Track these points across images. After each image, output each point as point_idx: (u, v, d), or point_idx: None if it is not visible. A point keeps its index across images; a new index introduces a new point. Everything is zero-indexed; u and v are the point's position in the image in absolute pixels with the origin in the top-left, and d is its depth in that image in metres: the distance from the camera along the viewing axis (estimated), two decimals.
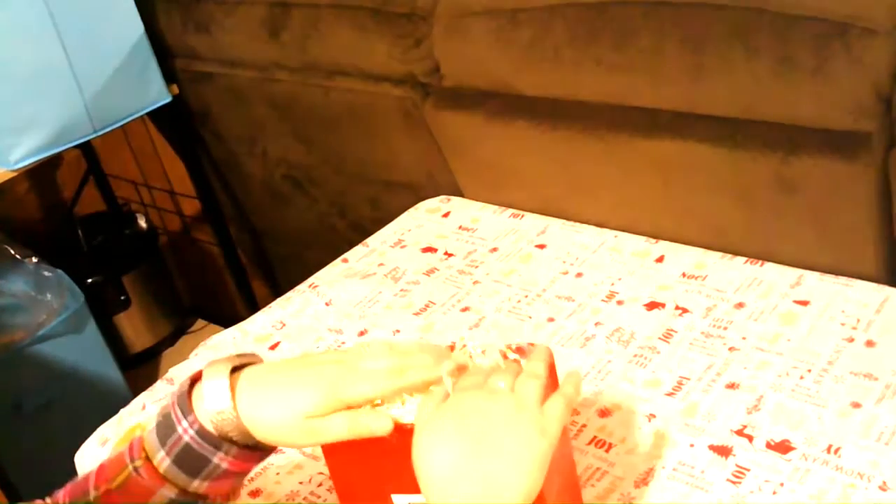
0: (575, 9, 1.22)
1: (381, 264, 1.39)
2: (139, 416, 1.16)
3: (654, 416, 0.99)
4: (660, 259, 1.25)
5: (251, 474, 1.01)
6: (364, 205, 1.82)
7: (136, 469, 0.69)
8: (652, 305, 1.16)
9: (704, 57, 1.12)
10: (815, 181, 1.11)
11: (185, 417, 0.68)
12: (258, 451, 0.71)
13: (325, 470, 0.97)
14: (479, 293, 1.27)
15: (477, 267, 1.33)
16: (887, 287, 1.10)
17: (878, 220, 1.10)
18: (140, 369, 2.43)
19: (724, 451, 0.92)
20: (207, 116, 2.01)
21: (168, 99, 1.94)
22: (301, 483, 1.00)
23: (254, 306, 2.23)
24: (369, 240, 1.47)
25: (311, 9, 1.58)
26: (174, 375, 1.24)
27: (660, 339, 1.10)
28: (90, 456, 1.12)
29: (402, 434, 0.68)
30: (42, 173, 2.43)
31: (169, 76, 1.94)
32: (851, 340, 1.03)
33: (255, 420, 0.69)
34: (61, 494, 0.73)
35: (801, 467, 0.88)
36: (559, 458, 0.77)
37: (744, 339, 1.07)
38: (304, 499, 0.98)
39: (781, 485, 0.87)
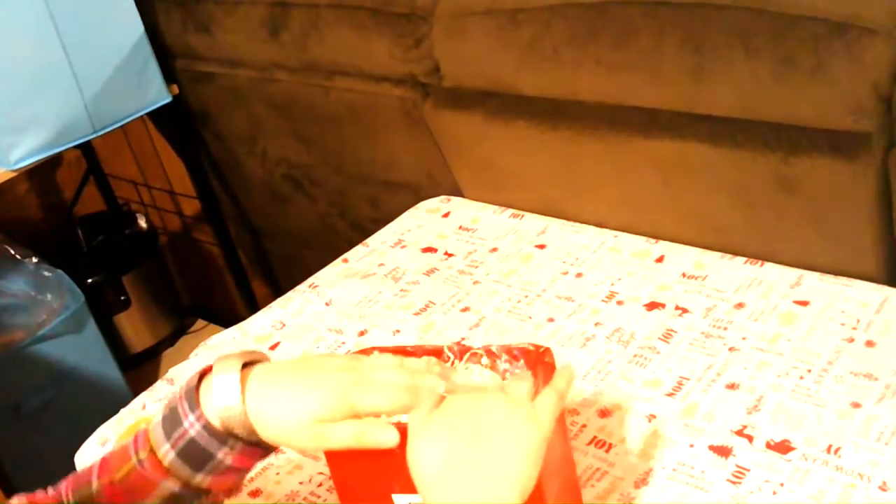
0: (575, 8, 1.22)
1: (381, 264, 1.39)
2: (139, 415, 1.16)
3: (654, 416, 0.99)
4: (660, 259, 1.25)
5: (251, 474, 1.01)
6: (364, 205, 1.82)
7: (140, 461, 0.69)
8: (652, 305, 1.16)
9: (704, 57, 1.12)
10: (815, 181, 1.11)
11: (192, 411, 0.69)
12: (262, 447, 0.71)
13: (325, 470, 0.97)
14: (479, 293, 1.27)
15: (477, 267, 1.33)
16: (887, 287, 1.10)
17: (878, 220, 1.10)
18: (140, 369, 2.43)
19: (724, 452, 0.92)
20: (207, 116, 2.01)
21: (168, 99, 1.94)
22: (301, 483, 1.00)
23: (254, 306, 2.23)
24: (369, 240, 1.47)
25: (311, 9, 1.58)
26: (174, 375, 1.24)
27: (660, 339, 1.10)
28: (90, 456, 1.12)
29: (403, 435, 0.68)
30: (42, 173, 2.43)
31: (169, 76, 1.94)
32: (851, 340, 1.03)
33: (262, 419, 0.69)
34: (64, 486, 0.73)
35: (801, 467, 0.88)
36: (559, 459, 0.77)
37: (744, 339, 1.07)
38: (304, 499, 0.98)
39: (781, 485, 0.87)
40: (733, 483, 0.88)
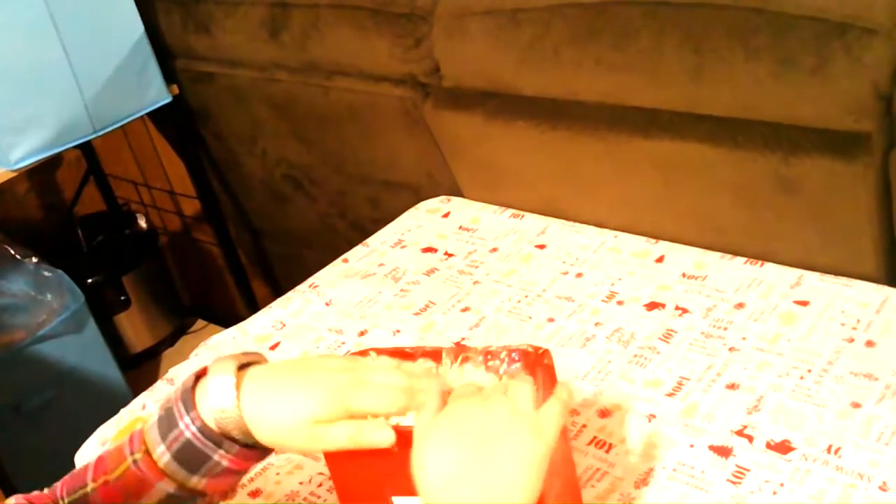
0: (575, 9, 1.22)
1: (381, 264, 1.39)
2: (138, 415, 1.16)
3: (654, 416, 0.99)
4: (660, 259, 1.25)
5: (251, 474, 1.01)
6: (364, 205, 1.82)
7: (135, 462, 0.69)
8: (652, 306, 1.16)
9: (704, 57, 1.12)
10: (815, 181, 1.11)
11: (188, 413, 0.68)
12: (259, 450, 0.71)
13: (325, 470, 0.97)
14: (479, 293, 1.27)
15: (477, 267, 1.33)
16: (887, 287, 1.10)
17: (878, 220, 1.10)
18: (140, 369, 2.43)
19: (724, 452, 0.92)
20: (207, 116, 2.01)
21: (168, 99, 1.94)
22: (301, 483, 1.00)
23: (254, 306, 2.23)
24: (369, 240, 1.47)
25: (311, 9, 1.58)
26: (174, 375, 1.24)
27: (660, 339, 1.10)
28: (90, 456, 1.11)
29: (402, 436, 0.68)
30: (42, 173, 2.43)
31: (169, 76, 1.94)
32: (851, 340, 1.03)
33: (258, 420, 0.68)
34: (59, 486, 0.73)
35: (801, 467, 0.88)
36: (559, 460, 0.77)
37: (744, 339, 1.07)
38: (304, 499, 0.98)
39: (781, 485, 0.87)
40: (733, 483, 0.88)
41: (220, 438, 0.68)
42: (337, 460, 0.78)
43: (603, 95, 1.26)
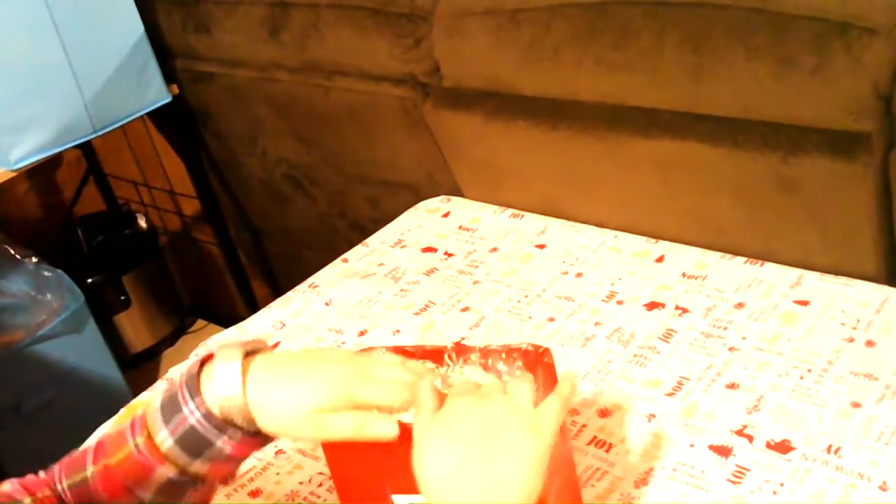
0: (575, 8, 1.22)
1: (381, 264, 1.39)
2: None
3: (654, 416, 0.99)
4: (660, 259, 1.25)
5: (251, 474, 1.01)
6: (364, 205, 1.82)
7: (136, 446, 0.69)
8: (652, 305, 1.16)
9: (704, 57, 1.12)
10: (815, 181, 1.11)
11: (193, 399, 0.68)
12: (261, 437, 0.71)
13: (325, 470, 0.97)
14: (479, 293, 1.27)
15: (477, 267, 1.33)
16: (887, 287, 1.10)
17: (878, 220, 1.10)
18: (140, 369, 2.43)
19: (724, 451, 0.92)
20: (207, 116, 2.01)
21: (168, 99, 1.94)
22: (301, 483, 1.00)
23: (254, 306, 2.23)
24: (369, 240, 1.47)
25: (311, 9, 1.58)
26: (174, 375, 1.24)
27: (660, 339, 1.10)
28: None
29: (403, 434, 0.68)
30: (42, 173, 2.43)
31: (169, 76, 1.94)
32: (851, 340, 1.03)
33: (262, 408, 0.68)
34: (57, 469, 0.73)
35: (801, 467, 0.88)
36: (559, 459, 0.77)
37: (744, 339, 1.07)
38: (304, 499, 0.98)
39: (781, 485, 0.87)
40: (733, 483, 0.88)
41: (224, 425, 0.68)
42: (337, 459, 0.78)
43: (603, 95, 1.26)
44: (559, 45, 1.25)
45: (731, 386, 1.00)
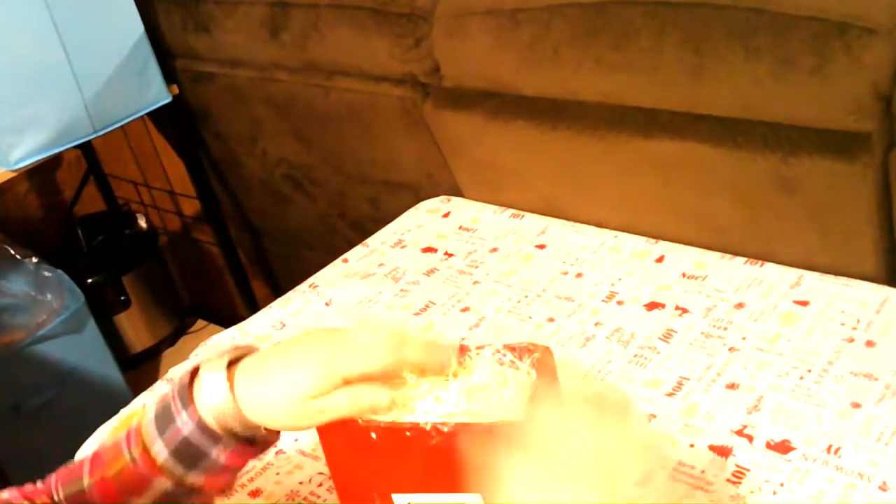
0: (575, 8, 1.22)
1: (381, 264, 1.39)
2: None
3: (654, 416, 0.99)
4: (660, 259, 1.25)
5: (251, 474, 1.01)
6: (364, 205, 1.82)
7: (133, 459, 0.69)
8: (652, 305, 1.16)
9: (704, 57, 1.12)
10: (815, 181, 1.11)
11: (185, 409, 0.68)
12: (257, 446, 0.71)
13: (325, 470, 0.97)
14: (479, 293, 1.27)
15: (477, 267, 1.33)
16: (887, 287, 1.10)
17: (878, 220, 1.10)
18: (140, 369, 2.43)
19: (724, 451, 0.92)
20: (207, 116, 2.01)
21: (168, 99, 1.95)
22: (301, 483, 1.00)
23: (254, 306, 2.23)
24: (369, 240, 1.47)
25: (311, 9, 1.58)
26: (174, 375, 1.24)
27: (660, 339, 1.10)
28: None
29: (402, 434, 0.68)
30: (42, 173, 2.43)
31: (169, 76, 1.94)
32: (851, 340, 1.03)
33: (256, 408, 0.68)
34: (53, 479, 0.73)
35: (801, 467, 0.88)
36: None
37: (744, 339, 1.07)
38: (304, 499, 0.98)
39: (781, 485, 0.87)
40: (733, 483, 0.88)
41: (218, 434, 0.68)
42: (336, 458, 0.78)
43: (603, 95, 1.26)
44: (559, 45, 1.25)
45: (731, 386, 1.00)
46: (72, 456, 1.14)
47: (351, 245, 1.47)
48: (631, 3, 1.17)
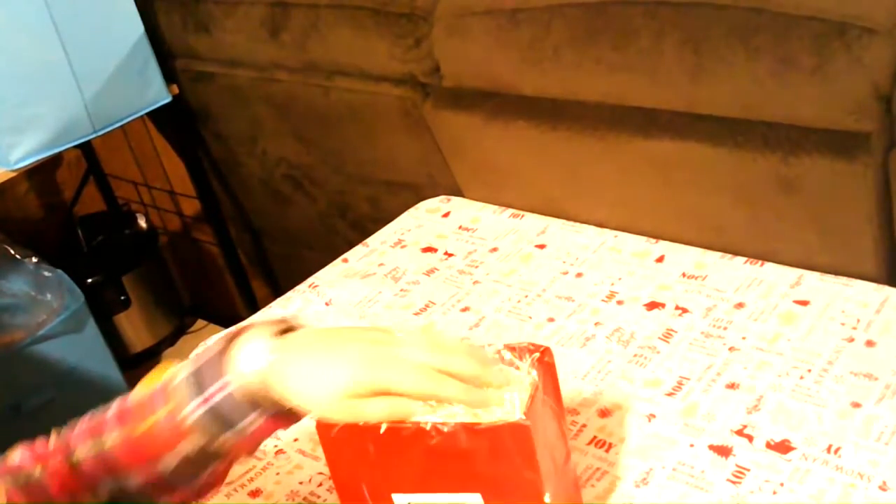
0: (575, 8, 1.22)
1: (381, 264, 1.39)
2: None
3: (654, 416, 0.99)
4: (660, 259, 1.25)
5: (251, 474, 1.01)
6: (364, 205, 1.82)
7: (162, 418, 0.69)
8: (652, 305, 1.16)
9: (704, 57, 1.12)
10: (815, 181, 1.11)
11: (222, 374, 0.68)
12: (291, 414, 0.70)
13: (325, 470, 0.98)
14: (479, 293, 1.27)
15: (477, 267, 1.33)
16: (887, 287, 1.10)
17: (878, 220, 1.10)
18: (140, 369, 2.43)
19: (724, 451, 0.92)
20: (207, 116, 2.01)
21: (168, 99, 1.95)
22: (301, 483, 1.00)
23: (254, 306, 2.24)
24: (369, 240, 1.47)
25: (311, 9, 1.58)
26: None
27: (660, 339, 1.10)
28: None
29: (402, 434, 0.68)
30: (42, 173, 2.43)
31: (169, 76, 1.94)
32: (851, 340, 1.03)
33: (290, 391, 0.68)
34: (72, 435, 0.72)
35: (801, 467, 0.88)
36: (558, 458, 0.77)
37: (744, 339, 1.07)
38: (304, 499, 0.98)
39: (781, 485, 0.87)
40: (733, 483, 0.88)
41: (253, 403, 0.68)
42: (337, 458, 0.78)
43: (603, 95, 1.26)
44: (559, 45, 1.25)
45: (731, 386, 1.00)
46: None
47: (351, 245, 1.47)
48: (631, 3, 1.17)
